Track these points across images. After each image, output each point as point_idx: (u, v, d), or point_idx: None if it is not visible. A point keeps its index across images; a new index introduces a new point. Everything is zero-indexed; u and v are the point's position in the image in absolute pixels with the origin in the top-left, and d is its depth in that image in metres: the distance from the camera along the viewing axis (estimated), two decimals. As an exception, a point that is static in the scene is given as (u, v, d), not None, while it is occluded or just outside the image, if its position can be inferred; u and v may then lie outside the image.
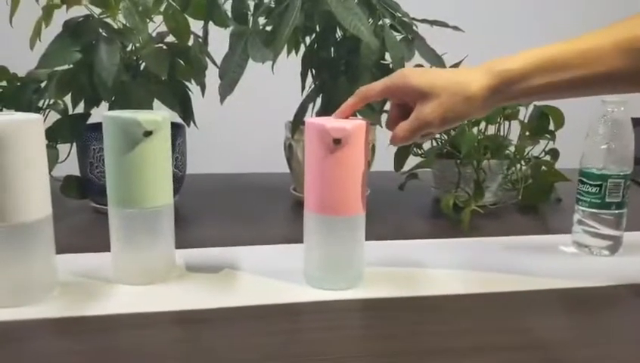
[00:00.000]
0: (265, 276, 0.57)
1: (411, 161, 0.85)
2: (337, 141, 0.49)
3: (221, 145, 1.31)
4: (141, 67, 0.77)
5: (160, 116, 0.52)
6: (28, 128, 0.47)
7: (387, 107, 0.84)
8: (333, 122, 0.50)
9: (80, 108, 0.76)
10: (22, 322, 0.46)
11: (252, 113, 1.25)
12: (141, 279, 0.54)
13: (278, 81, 0.79)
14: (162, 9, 0.75)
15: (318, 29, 0.81)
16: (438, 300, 0.53)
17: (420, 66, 0.89)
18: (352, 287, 0.54)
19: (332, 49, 0.81)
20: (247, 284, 0.55)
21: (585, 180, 0.64)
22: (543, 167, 0.86)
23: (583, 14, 1.56)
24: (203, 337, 0.45)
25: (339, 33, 0.81)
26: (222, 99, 0.72)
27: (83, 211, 0.79)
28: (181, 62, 0.78)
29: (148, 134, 0.51)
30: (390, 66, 0.78)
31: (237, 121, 1.26)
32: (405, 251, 0.66)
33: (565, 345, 0.46)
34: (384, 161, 0.86)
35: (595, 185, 0.63)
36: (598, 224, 0.64)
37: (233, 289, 0.54)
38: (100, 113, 0.68)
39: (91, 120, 0.77)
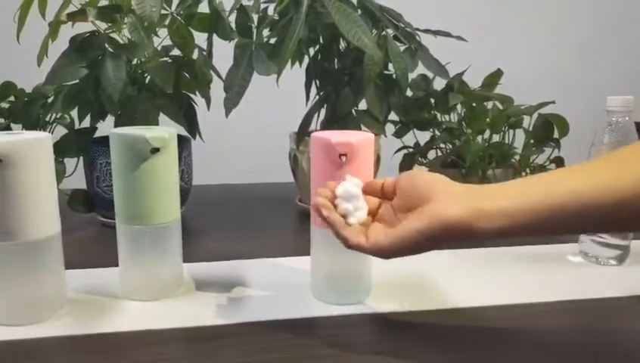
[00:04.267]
0: (272, 290, 0.57)
1: (416, 170, 0.85)
2: (343, 156, 0.50)
3: (226, 156, 1.31)
4: (147, 81, 0.77)
5: (167, 132, 0.52)
6: (38, 147, 0.47)
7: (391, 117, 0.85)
8: (338, 137, 0.50)
9: (86, 122, 0.77)
10: (32, 340, 0.47)
11: (256, 123, 1.26)
12: (149, 295, 0.55)
13: (282, 92, 0.80)
14: (166, 22, 0.75)
15: (321, 40, 0.81)
16: (447, 313, 0.53)
17: (425, 75, 0.89)
18: (361, 302, 0.54)
19: (336, 60, 0.82)
20: (255, 299, 0.55)
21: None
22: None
23: (587, 23, 1.56)
24: (211, 354, 0.45)
25: (342, 44, 0.81)
26: (228, 112, 0.72)
27: (90, 224, 0.79)
28: (187, 75, 0.79)
29: (155, 151, 0.51)
30: (394, 76, 0.79)
31: (242, 132, 1.27)
32: (412, 263, 0.65)
33: (575, 357, 0.45)
34: (389, 171, 0.86)
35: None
36: (605, 233, 0.64)
37: (241, 304, 0.54)
38: (107, 127, 0.68)
39: (97, 134, 0.77)
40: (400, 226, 0.43)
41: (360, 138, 0.50)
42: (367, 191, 0.49)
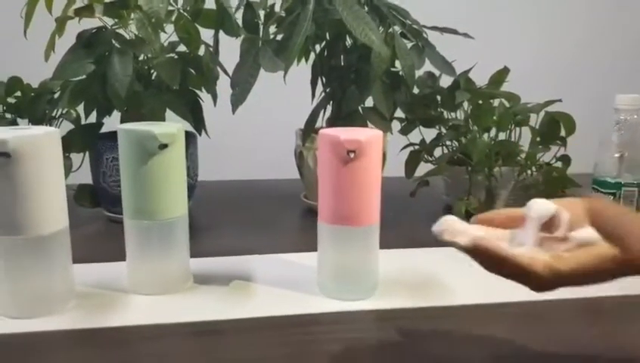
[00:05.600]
0: (279, 286, 0.57)
1: (422, 168, 0.85)
2: (351, 153, 0.50)
3: (231, 152, 1.31)
4: (153, 77, 0.77)
5: (175, 128, 0.52)
6: (46, 142, 0.47)
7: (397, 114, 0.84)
8: (346, 133, 0.50)
9: (92, 118, 0.77)
10: (40, 334, 0.47)
11: (262, 120, 1.26)
12: (156, 290, 0.55)
13: (288, 88, 0.80)
14: (173, 19, 0.75)
15: (328, 37, 0.81)
16: (454, 310, 0.53)
17: (431, 72, 0.89)
18: (368, 298, 0.54)
19: (342, 57, 0.81)
20: (261, 295, 0.55)
21: (598, 188, 0.64)
22: (554, 173, 0.85)
23: (595, 21, 1.55)
24: (218, 349, 0.45)
25: (349, 41, 0.81)
26: (234, 109, 0.72)
27: (96, 220, 0.79)
28: (193, 71, 0.79)
29: (163, 147, 0.51)
30: (400, 73, 0.78)
31: (248, 128, 1.27)
32: (419, 260, 0.66)
33: (581, 354, 0.45)
34: (395, 168, 0.86)
35: (609, 194, 0.63)
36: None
37: (247, 299, 0.54)
38: (113, 122, 0.68)
39: (103, 129, 0.78)
40: (583, 250, 0.37)
41: (369, 135, 0.50)
42: (493, 223, 0.42)
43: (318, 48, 0.82)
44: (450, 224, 0.40)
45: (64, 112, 0.80)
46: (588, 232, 0.38)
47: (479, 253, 0.38)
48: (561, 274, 0.37)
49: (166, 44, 0.77)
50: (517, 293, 0.56)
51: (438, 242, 0.41)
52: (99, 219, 0.79)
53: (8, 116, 0.78)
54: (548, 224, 0.39)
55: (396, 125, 0.86)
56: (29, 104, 0.77)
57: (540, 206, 0.40)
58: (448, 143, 0.87)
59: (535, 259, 0.37)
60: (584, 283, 0.38)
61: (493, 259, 0.37)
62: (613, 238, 0.37)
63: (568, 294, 0.56)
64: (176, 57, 0.77)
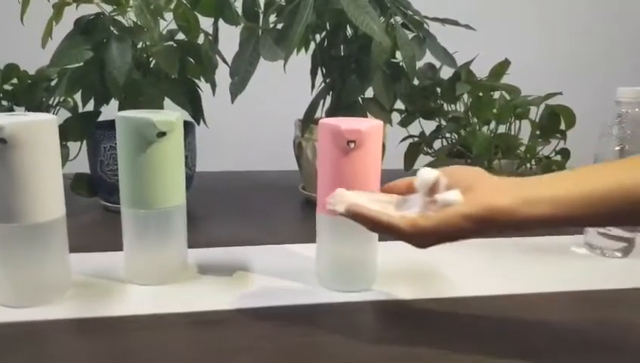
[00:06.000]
0: (277, 277, 0.57)
1: (422, 160, 0.85)
2: (352, 143, 0.49)
3: (229, 143, 1.30)
4: (152, 65, 0.76)
5: (173, 116, 0.52)
6: (43, 129, 0.47)
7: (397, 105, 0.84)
8: (347, 124, 0.50)
9: (90, 106, 0.76)
10: (37, 323, 0.47)
11: (261, 110, 1.25)
12: (153, 279, 0.54)
13: (288, 78, 0.79)
14: (172, 6, 0.75)
15: (328, 26, 0.80)
16: (452, 302, 0.53)
17: (432, 64, 0.89)
18: (366, 289, 0.54)
19: (342, 47, 0.81)
20: (260, 285, 0.55)
21: (598, 181, 0.63)
22: (554, 167, 0.85)
23: (596, 13, 1.55)
24: (215, 339, 0.45)
25: (349, 31, 0.81)
26: (233, 98, 0.71)
27: (93, 209, 0.79)
28: (192, 60, 0.78)
29: (162, 135, 0.50)
30: (401, 64, 0.78)
31: (246, 118, 1.26)
32: (417, 251, 0.65)
33: (579, 348, 0.45)
34: (394, 160, 0.86)
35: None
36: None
37: (246, 290, 0.54)
38: (111, 111, 0.68)
39: (101, 118, 0.77)
40: (443, 210, 0.42)
41: (369, 126, 0.50)
42: (391, 191, 0.48)
43: (318, 37, 0.82)
44: (340, 196, 0.46)
45: (61, 100, 0.79)
46: (453, 194, 0.43)
47: (355, 218, 0.43)
48: (424, 230, 0.42)
49: (164, 32, 0.77)
50: (513, 285, 0.57)
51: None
52: (96, 208, 0.79)
53: (5, 103, 0.77)
54: (435, 189, 0.45)
55: (395, 117, 0.85)
56: (26, 92, 0.76)
57: (423, 174, 0.45)
58: (447, 135, 0.87)
59: (405, 218, 0.43)
60: (449, 238, 0.43)
61: (367, 221, 0.43)
62: (466, 188, 0.43)
63: (563, 287, 0.56)
64: (175, 45, 0.76)
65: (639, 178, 0.40)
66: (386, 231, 0.43)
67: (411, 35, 0.79)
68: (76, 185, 0.78)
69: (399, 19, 0.78)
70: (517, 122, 0.84)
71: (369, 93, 0.79)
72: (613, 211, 0.40)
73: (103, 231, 0.71)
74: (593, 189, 0.40)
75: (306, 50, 0.85)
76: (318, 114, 0.82)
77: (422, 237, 0.43)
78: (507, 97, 0.84)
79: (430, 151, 0.87)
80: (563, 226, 0.41)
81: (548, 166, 0.85)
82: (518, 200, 0.41)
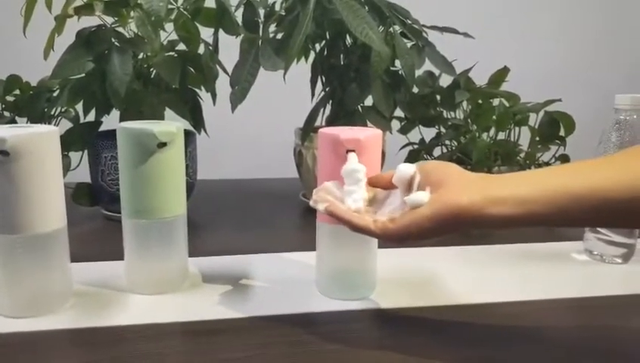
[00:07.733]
0: (277, 285, 0.57)
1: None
2: (351, 152, 0.50)
3: (230, 151, 1.31)
4: (152, 75, 0.77)
5: (174, 127, 0.52)
6: (44, 141, 0.47)
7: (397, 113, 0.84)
8: (346, 132, 0.50)
9: (91, 116, 0.77)
10: (38, 333, 0.47)
11: (261, 119, 1.26)
12: (154, 289, 0.55)
13: (288, 87, 0.80)
14: (172, 17, 0.75)
15: (328, 36, 0.81)
16: (452, 309, 0.53)
17: (431, 72, 0.89)
18: (366, 297, 0.54)
19: (342, 56, 0.81)
20: (260, 294, 0.55)
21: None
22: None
23: (594, 21, 1.55)
24: (216, 348, 0.45)
25: (349, 40, 0.81)
26: (234, 108, 0.72)
27: (94, 218, 0.79)
28: (192, 70, 0.79)
29: (162, 145, 0.51)
30: (400, 72, 0.78)
31: (247, 127, 1.27)
32: (417, 259, 0.66)
33: (579, 354, 0.45)
34: (394, 167, 0.86)
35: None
36: (610, 231, 0.64)
37: (246, 298, 0.54)
38: (112, 121, 0.68)
39: (102, 128, 0.77)
40: (410, 212, 0.43)
41: (368, 135, 0.50)
42: (376, 184, 0.49)
43: (318, 47, 0.82)
44: (325, 191, 0.47)
45: (63, 110, 0.80)
46: (421, 195, 0.43)
47: (332, 216, 0.45)
48: (394, 234, 0.43)
49: (165, 42, 0.77)
50: (513, 292, 0.57)
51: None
52: (97, 218, 0.79)
53: (7, 114, 0.77)
54: (412, 185, 0.45)
55: (395, 125, 0.85)
56: (28, 103, 0.77)
57: (400, 171, 0.46)
58: (447, 142, 0.87)
59: (377, 221, 0.44)
60: (419, 238, 0.43)
61: (343, 221, 0.45)
62: (437, 185, 0.43)
63: (563, 294, 0.56)
64: (176, 55, 0.77)
65: (608, 176, 0.39)
66: (359, 230, 0.44)
67: (410, 44, 0.79)
68: (77, 195, 0.78)
69: (397, 28, 0.79)
70: (517, 128, 0.84)
71: (369, 101, 0.79)
72: (583, 212, 0.39)
73: (104, 240, 0.71)
74: (560, 188, 0.40)
75: (306, 59, 0.85)
76: (318, 122, 0.83)
77: (393, 240, 0.44)
78: (507, 104, 0.84)
79: (430, 158, 0.87)
80: (529, 226, 0.41)
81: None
82: (483, 199, 0.40)
